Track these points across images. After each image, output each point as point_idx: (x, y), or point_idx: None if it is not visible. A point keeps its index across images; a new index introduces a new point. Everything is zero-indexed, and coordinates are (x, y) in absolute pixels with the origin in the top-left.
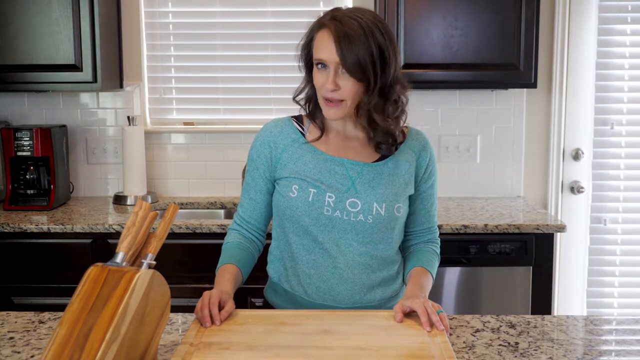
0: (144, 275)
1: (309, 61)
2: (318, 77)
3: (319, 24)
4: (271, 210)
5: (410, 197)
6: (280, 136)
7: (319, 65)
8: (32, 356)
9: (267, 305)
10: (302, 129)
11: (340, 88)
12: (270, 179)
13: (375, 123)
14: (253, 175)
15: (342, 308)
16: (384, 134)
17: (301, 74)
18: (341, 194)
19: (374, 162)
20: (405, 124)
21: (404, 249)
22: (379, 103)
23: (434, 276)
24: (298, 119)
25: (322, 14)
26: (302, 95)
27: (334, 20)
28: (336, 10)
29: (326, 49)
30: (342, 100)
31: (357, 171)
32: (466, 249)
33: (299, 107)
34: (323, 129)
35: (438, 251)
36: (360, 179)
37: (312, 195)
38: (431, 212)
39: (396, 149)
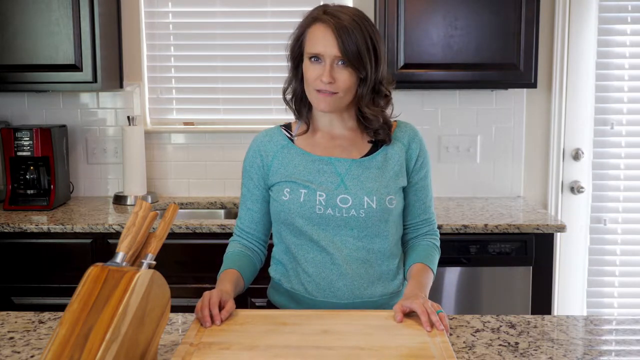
0: (144, 275)
1: (297, 56)
2: (311, 70)
3: (312, 18)
4: (270, 219)
5: (404, 189)
6: (270, 144)
7: (313, 59)
8: (32, 356)
9: (270, 306)
10: (291, 135)
11: (335, 81)
12: (265, 187)
13: (367, 117)
14: (248, 186)
15: (343, 304)
16: (378, 123)
17: None
18: (331, 191)
19: (362, 157)
20: (394, 118)
21: (403, 243)
22: (370, 97)
23: (435, 271)
24: (287, 126)
25: (309, 11)
26: (289, 91)
27: (327, 14)
28: (326, 6)
29: (324, 42)
30: (335, 93)
31: (345, 168)
32: (466, 249)
33: (287, 106)
34: (309, 125)
35: (438, 244)
36: (348, 175)
37: (303, 195)
38: (427, 203)
39: (389, 139)
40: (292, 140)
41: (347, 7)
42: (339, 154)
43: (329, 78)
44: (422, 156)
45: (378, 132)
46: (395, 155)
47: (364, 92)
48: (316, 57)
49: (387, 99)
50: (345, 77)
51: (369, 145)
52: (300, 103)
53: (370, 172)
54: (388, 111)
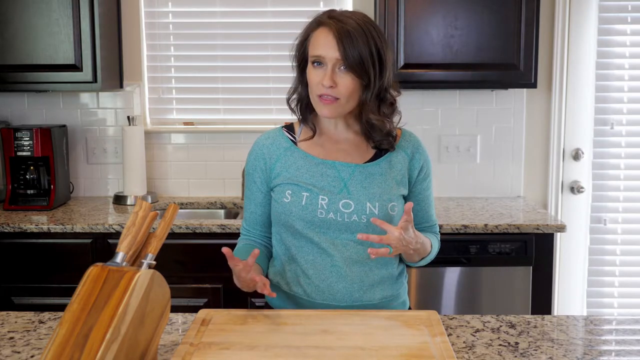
0: (144, 275)
1: (302, 60)
2: (313, 74)
3: (317, 23)
4: None
5: (406, 198)
6: (273, 147)
7: (315, 63)
8: (32, 356)
9: (268, 307)
10: (294, 137)
11: (336, 85)
12: (268, 190)
13: (372, 123)
14: (251, 189)
15: (342, 306)
16: (382, 133)
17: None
18: (334, 195)
19: (366, 162)
20: (399, 126)
21: None
22: (375, 104)
23: (433, 247)
24: (289, 127)
25: (316, 15)
26: (294, 96)
27: (332, 19)
28: (332, 11)
29: (326, 45)
30: (336, 99)
31: (349, 172)
32: (466, 249)
33: (291, 111)
34: (315, 130)
35: (438, 237)
36: (352, 180)
37: (305, 198)
38: (429, 212)
39: (393, 147)
40: (294, 143)
41: (354, 12)
42: (342, 158)
43: (329, 82)
44: (426, 167)
45: (382, 142)
46: (398, 164)
47: (368, 99)
48: (318, 62)
49: (393, 107)
50: (347, 83)
51: (373, 151)
52: (306, 109)
53: (373, 178)
54: (395, 119)
